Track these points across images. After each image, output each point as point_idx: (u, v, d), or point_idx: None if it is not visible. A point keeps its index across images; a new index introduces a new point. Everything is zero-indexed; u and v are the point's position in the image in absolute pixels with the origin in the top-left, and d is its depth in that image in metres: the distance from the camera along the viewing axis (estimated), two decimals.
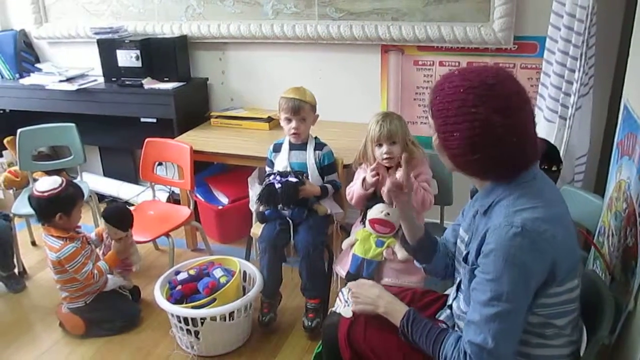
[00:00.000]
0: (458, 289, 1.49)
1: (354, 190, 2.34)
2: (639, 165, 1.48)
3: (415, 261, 1.70)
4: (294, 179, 2.35)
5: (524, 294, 1.22)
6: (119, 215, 2.51)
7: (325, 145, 2.49)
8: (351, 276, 2.16)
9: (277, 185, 2.35)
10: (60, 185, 2.33)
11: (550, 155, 1.77)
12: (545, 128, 2.38)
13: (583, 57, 2.22)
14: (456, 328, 1.48)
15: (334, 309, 1.70)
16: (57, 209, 2.31)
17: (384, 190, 1.58)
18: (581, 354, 1.41)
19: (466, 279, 1.35)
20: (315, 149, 2.46)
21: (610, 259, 1.62)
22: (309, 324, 2.40)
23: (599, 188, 2.44)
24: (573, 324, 1.33)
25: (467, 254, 1.35)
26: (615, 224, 1.62)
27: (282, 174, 2.38)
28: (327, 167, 2.47)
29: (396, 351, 1.48)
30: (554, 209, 1.24)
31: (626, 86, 1.79)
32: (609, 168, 1.88)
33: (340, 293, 1.74)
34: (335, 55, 3.15)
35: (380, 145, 2.22)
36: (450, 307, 1.53)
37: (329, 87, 3.16)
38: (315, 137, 2.50)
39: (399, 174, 1.58)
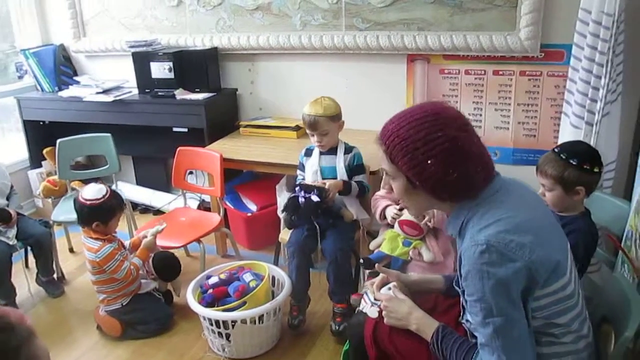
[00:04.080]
0: (464, 307, 1.52)
1: (377, 206, 2.41)
2: None
3: None
4: (315, 198, 2.38)
5: (509, 304, 1.25)
6: (166, 267, 2.69)
7: (354, 147, 2.55)
8: (367, 261, 2.16)
9: (301, 200, 2.41)
10: (104, 196, 2.44)
11: (591, 156, 1.80)
12: (571, 134, 2.40)
13: (609, 63, 2.23)
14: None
15: (360, 308, 1.74)
16: (95, 218, 2.43)
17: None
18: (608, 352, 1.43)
19: (464, 300, 1.41)
20: (345, 153, 2.52)
21: (638, 262, 1.62)
22: (337, 327, 2.44)
23: (628, 194, 2.44)
24: (579, 319, 1.35)
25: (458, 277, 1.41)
26: None
27: (307, 190, 2.42)
28: (355, 167, 2.52)
29: (420, 350, 1.51)
30: (519, 218, 1.29)
31: None
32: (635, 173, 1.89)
33: (364, 294, 1.78)
34: (362, 65, 3.21)
35: None
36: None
37: (356, 96, 3.21)
38: (345, 142, 2.56)
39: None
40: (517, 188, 1.40)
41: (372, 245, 2.38)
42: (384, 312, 1.58)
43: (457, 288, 1.43)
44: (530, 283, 1.25)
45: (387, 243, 2.29)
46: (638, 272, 1.63)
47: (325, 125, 2.44)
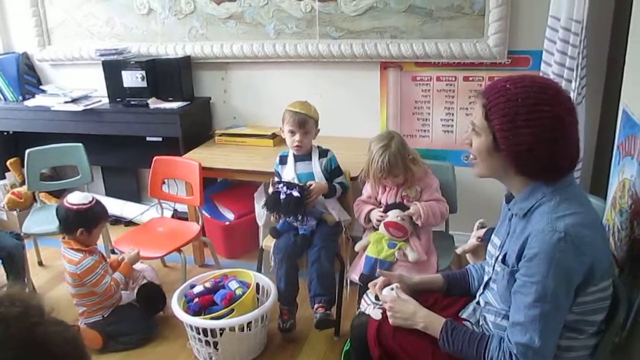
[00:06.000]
0: (485, 286, 1.58)
1: (361, 210, 2.47)
2: None
3: None
4: (297, 194, 2.40)
5: (565, 294, 1.30)
6: (149, 299, 2.62)
7: (328, 150, 2.58)
8: (365, 277, 2.23)
9: (282, 197, 2.42)
10: (90, 202, 2.42)
11: None
12: None
13: (578, 68, 2.36)
14: (481, 321, 1.57)
15: (362, 309, 1.77)
16: (80, 224, 2.39)
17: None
18: None
19: (504, 280, 1.42)
20: (319, 157, 2.55)
21: (618, 253, 1.72)
22: (319, 316, 2.38)
23: (594, 190, 2.58)
24: (603, 319, 1.42)
25: (505, 255, 1.44)
26: (621, 220, 1.73)
27: (289, 186, 2.44)
28: (334, 170, 2.56)
29: (425, 347, 1.54)
30: (591, 215, 1.35)
31: (623, 93, 1.92)
32: (609, 171, 2.00)
33: (365, 295, 1.81)
34: (336, 73, 3.26)
35: (386, 178, 2.36)
36: (478, 302, 1.61)
37: (330, 104, 3.25)
38: (318, 146, 2.58)
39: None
40: (581, 186, 1.46)
41: (358, 246, 2.43)
42: (389, 313, 1.59)
43: (502, 264, 1.44)
44: (587, 278, 1.31)
45: (372, 246, 2.34)
46: (618, 261, 1.73)
47: (310, 125, 2.47)
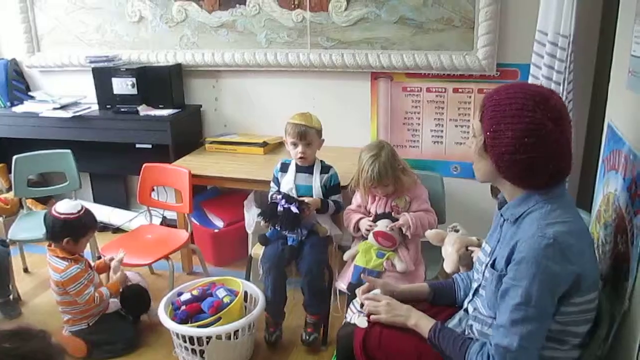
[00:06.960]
0: (475, 293, 1.59)
1: (351, 219, 2.48)
2: (625, 176, 1.62)
3: None
4: (295, 210, 2.39)
5: (550, 301, 1.32)
6: (134, 301, 2.60)
7: (331, 167, 2.58)
8: (353, 286, 2.23)
9: (280, 209, 2.42)
10: (78, 212, 2.40)
11: None
12: None
13: (565, 82, 2.39)
14: (467, 330, 1.58)
15: (348, 319, 1.78)
16: (67, 233, 2.37)
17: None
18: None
19: (492, 285, 1.43)
20: (321, 172, 2.54)
21: (601, 266, 1.74)
22: (307, 337, 2.46)
23: (580, 203, 2.60)
24: (587, 332, 1.44)
25: (495, 260, 1.46)
26: (605, 234, 1.75)
27: (288, 200, 2.43)
28: (332, 187, 2.55)
29: (410, 355, 1.56)
30: (580, 225, 1.38)
31: (609, 108, 1.95)
32: (594, 185, 2.03)
33: (351, 304, 1.82)
34: (327, 82, 3.27)
35: (375, 187, 2.38)
36: (466, 310, 1.62)
37: (321, 113, 3.22)
38: (321, 161, 2.59)
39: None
40: (572, 199, 1.48)
41: (346, 255, 2.43)
42: (386, 308, 1.62)
43: (491, 269, 1.46)
44: (573, 288, 1.32)
45: (361, 256, 2.35)
46: (602, 275, 1.74)
47: (312, 136, 2.47)
